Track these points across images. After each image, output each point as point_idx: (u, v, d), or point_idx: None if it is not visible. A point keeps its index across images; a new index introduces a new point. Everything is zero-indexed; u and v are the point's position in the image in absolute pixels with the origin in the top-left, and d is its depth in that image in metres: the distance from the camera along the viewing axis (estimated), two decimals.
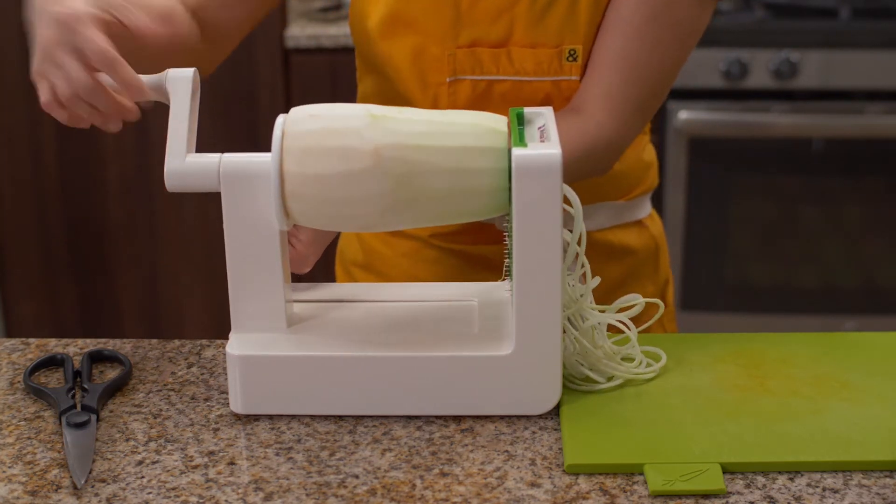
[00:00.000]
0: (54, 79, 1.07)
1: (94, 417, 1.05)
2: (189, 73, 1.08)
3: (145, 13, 1.13)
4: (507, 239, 1.08)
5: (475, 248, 1.36)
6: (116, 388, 1.12)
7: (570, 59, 1.26)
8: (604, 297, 1.37)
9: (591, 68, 1.26)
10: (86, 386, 1.11)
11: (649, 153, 1.44)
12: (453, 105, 1.29)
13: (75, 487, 0.96)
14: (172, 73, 1.08)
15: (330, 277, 1.53)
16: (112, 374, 1.15)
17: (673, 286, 1.50)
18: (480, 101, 1.29)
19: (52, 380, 1.15)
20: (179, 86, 1.07)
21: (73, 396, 1.10)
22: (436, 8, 1.26)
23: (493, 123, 1.05)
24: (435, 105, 1.30)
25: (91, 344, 1.22)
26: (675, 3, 1.22)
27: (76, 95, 1.07)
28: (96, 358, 1.18)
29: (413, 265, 1.39)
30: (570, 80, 1.27)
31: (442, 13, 1.26)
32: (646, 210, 1.44)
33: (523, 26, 1.26)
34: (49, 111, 1.09)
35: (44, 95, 1.08)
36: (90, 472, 0.98)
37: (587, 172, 1.27)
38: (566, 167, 1.10)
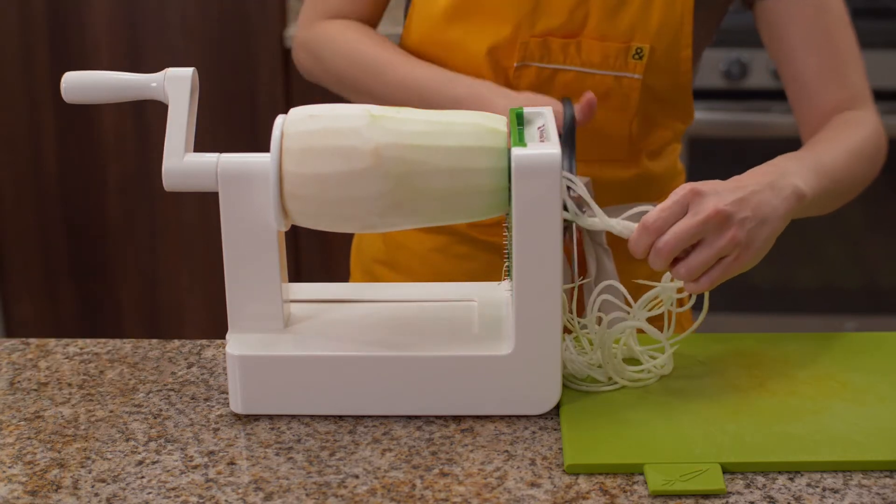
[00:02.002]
0: None
1: None
2: (188, 72, 1.08)
3: None
4: (507, 239, 1.08)
5: None
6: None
7: (637, 56, 1.28)
8: (631, 294, 1.38)
9: (818, 89, 1.29)
10: None
11: (680, 163, 1.46)
12: (516, 89, 1.30)
13: None
14: (171, 72, 1.08)
15: (332, 278, 1.53)
16: None
17: None
18: (543, 87, 1.30)
19: (53, 377, 1.15)
20: (178, 85, 1.07)
21: None
22: None
23: (492, 123, 1.05)
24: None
25: (91, 344, 1.22)
26: None
27: None
28: None
29: (444, 261, 1.39)
30: (632, 77, 1.29)
31: (521, 1, 1.28)
32: None
33: (597, 18, 1.28)
34: None
35: None
36: None
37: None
38: (874, 166, 1.24)
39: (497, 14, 1.29)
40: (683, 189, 1.06)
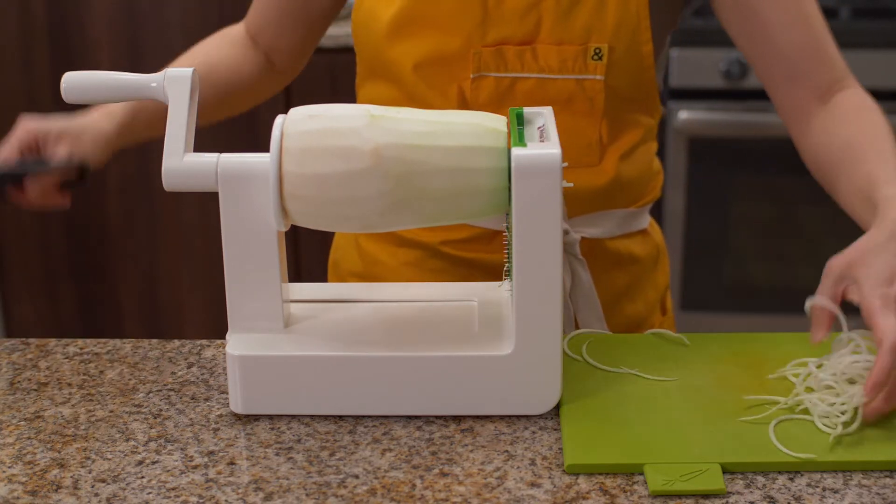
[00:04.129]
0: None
1: None
2: (187, 72, 1.08)
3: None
4: (506, 239, 1.08)
5: (486, 256, 1.35)
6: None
7: (596, 57, 1.25)
8: (610, 305, 1.36)
9: (812, 55, 1.27)
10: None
11: (657, 163, 1.44)
12: (476, 102, 1.28)
13: None
14: (171, 72, 1.08)
15: None
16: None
17: (670, 291, 1.50)
18: (504, 97, 1.28)
19: (55, 376, 1.15)
20: (178, 85, 1.07)
21: None
22: (463, 7, 1.26)
23: (492, 123, 1.05)
24: (458, 103, 1.29)
25: (91, 344, 1.22)
26: None
27: None
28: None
29: (417, 275, 1.38)
30: (594, 78, 1.27)
31: (469, 12, 1.26)
32: (647, 220, 1.44)
33: (550, 23, 1.26)
34: None
35: None
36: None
37: None
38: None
39: (445, 26, 1.27)
40: (890, 338, 1.01)
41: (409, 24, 1.27)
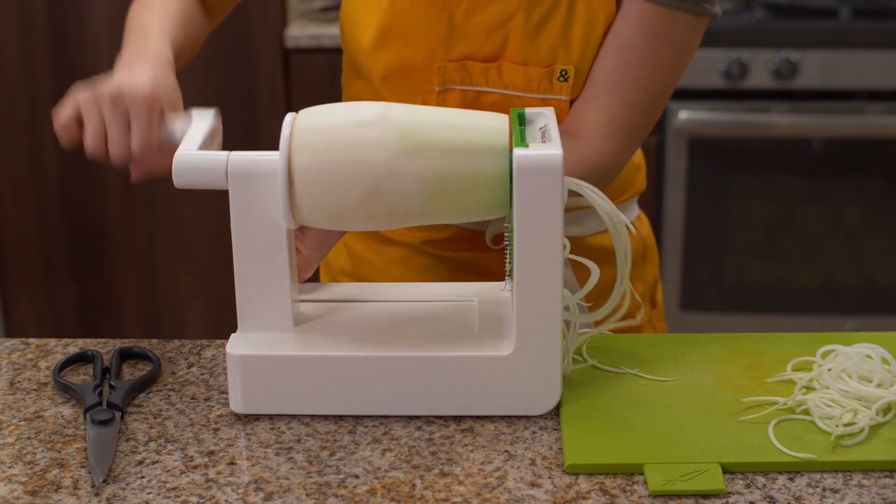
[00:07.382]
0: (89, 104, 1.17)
1: (118, 415, 1.06)
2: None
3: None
4: (507, 239, 1.08)
5: (467, 255, 1.36)
6: (144, 386, 1.13)
7: (562, 79, 1.25)
8: (594, 301, 1.36)
9: (588, 92, 1.26)
10: (113, 383, 1.11)
11: (637, 155, 1.43)
12: None
13: (93, 485, 0.97)
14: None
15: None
16: (139, 371, 1.16)
17: (661, 286, 1.49)
18: (469, 108, 1.27)
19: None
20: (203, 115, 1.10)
21: (100, 394, 1.10)
22: (429, 21, 1.26)
23: (494, 123, 1.05)
24: None
25: (91, 344, 1.22)
26: (674, 25, 1.23)
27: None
28: (126, 355, 1.18)
29: (404, 272, 1.39)
30: (559, 99, 1.27)
31: (435, 27, 1.26)
32: (633, 213, 1.44)
33: (516, 43, 1.25)
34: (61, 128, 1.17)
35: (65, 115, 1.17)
36: (109, 471, 0.99)
37: None
38: None
39: (410, 40, 1.27)
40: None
41: (383, 35, 1.28)
